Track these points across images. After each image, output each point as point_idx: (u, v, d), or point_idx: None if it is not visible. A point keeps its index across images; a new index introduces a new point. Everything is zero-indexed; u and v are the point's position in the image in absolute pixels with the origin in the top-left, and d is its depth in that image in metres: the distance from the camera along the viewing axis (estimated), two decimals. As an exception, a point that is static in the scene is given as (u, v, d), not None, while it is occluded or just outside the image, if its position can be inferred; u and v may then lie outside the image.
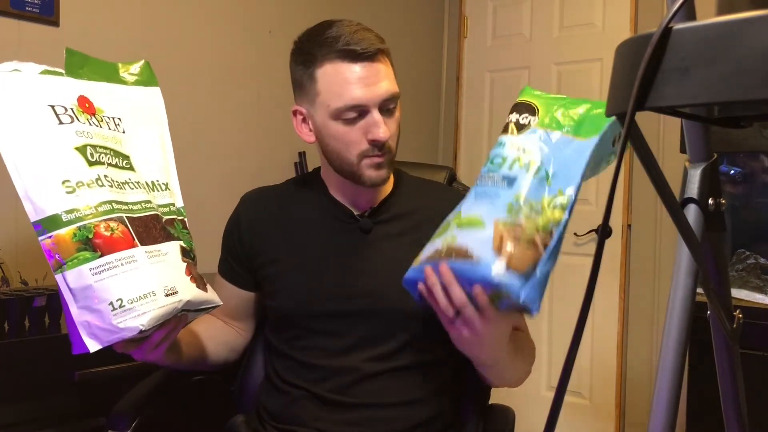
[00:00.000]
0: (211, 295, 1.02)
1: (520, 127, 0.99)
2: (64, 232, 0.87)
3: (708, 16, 0.44)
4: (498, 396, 1.27)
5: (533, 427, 2.10)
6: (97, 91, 1.01)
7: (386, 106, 1.12)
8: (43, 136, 0.91)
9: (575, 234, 2.85)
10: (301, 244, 1.21)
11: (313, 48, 1.12)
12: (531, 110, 1.01)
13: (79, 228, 0.88)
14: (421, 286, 0.96)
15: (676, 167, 0.70)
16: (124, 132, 1.02)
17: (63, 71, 0.98)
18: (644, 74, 0.45)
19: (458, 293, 0.92)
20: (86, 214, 0.89)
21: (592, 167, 0.95)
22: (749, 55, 0.41)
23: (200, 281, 1.01)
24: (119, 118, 1.02)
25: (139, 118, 1.06)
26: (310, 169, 1.44)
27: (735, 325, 0.66)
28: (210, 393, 1.39)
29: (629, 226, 2.78)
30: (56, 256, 0.87)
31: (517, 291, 0.87)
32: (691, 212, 0.58)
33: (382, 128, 1.10)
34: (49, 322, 1.40)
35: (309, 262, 1.19)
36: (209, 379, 1.33)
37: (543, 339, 2.87)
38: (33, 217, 0.88)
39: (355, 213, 1.21)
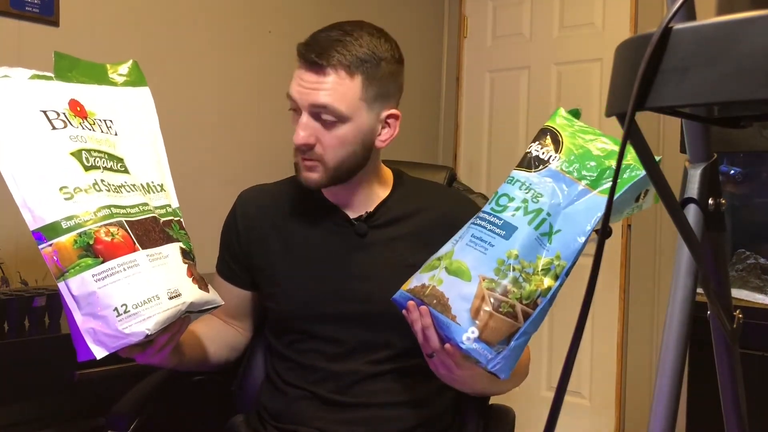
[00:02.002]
0: (212, 295, 1.02)
1: (538, 164, 0.95)
2: (65, 239, 0.86)
3: (708, 16, 0.44)
4: (498, 396, 1.27)
5: (533, 427, 2.10)
6: (88, 94, 1.00)
7: (319, 115, 1.09)
8: (38, 143, 0.90)
9: (575, 234, 2.85)
10: (297, 248, 1.21)
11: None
12: (555, 142, 0.96)
13: (80, 234, 0.87)
14: (405, 313, 0.96)
15: (676, 167, 0.70)
16: (116, 134, 1.01)
17: (52, 75, 0.97)
18: (644, 74, 0.45)
19: (434, 339, 0.92)
20: (86, 220, 0.88)
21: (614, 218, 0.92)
22: (749, 55, 0.41)
23: (202, 282, 1.01)
24: (111, 120, 1.01)
25: (131, 119, 1.05)
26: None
27: (735, 325, 0.66)
28: (210, 393, 1.39)
29: (629, 226, 2.78)
30: (57, 263, 0.86)
31: (485, 362, 0.86)
32: (691, 212, 0.58)
33: (300, 132, 1.09)
34: (49, 322, 1.40)
35: (305, 265, 1.19)
36: (209, 379, 1.33)
37: (543, 339, 2.87)
38: (32, 226, 0.87)
39: (351, 216, 1.20)
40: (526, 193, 0.92)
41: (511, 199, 0.93)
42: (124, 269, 0.88)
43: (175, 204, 1.07)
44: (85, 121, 0.97)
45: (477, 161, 3.21)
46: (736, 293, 2.07)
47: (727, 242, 2.20)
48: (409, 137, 3.07)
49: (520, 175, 0.95)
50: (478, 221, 0.95)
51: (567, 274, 0.89)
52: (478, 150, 3.22)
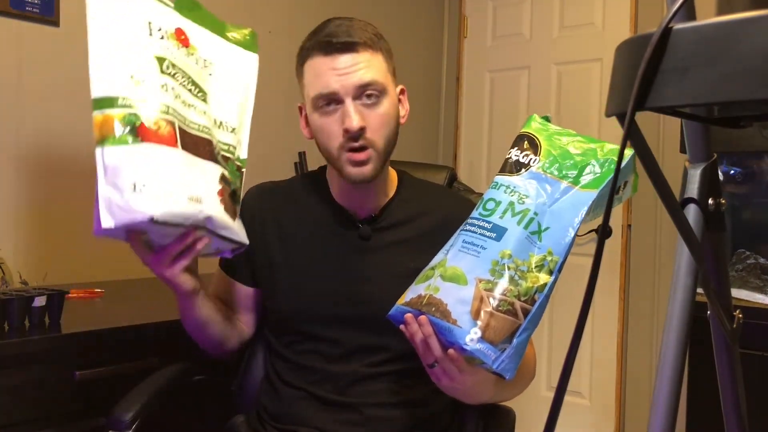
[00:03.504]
0: (238, 227, 1.03)
1: (519, 167, 0.96)
2: (116, 112, 0.90)
3: (708, 16, 0.44)
4: (498, 396, 1.27)
5: (533, 427, 2.09)
6: (197, 32, 1.05)
7: (363, 96, 1.10)
8: (131, 37, 0.95)
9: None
10: (300, 248, 1.20)
11: (305, 43, 1.15)
12: (533, 146, 0.98)
13: (130, 114, 0.91)
14: (402, 328, 0.96)
15: (676, 167, 0.70)
16: (210, 75, 1.05)
17: (172, 4, 1.02)
18: (644, 74, 0.45)
19: (436, 347, 0.92)
20: (141, 106, 0.92)
21: (592, 216, 0.93)
22: (749, 55, 0.41)
23: (231, 209, 1.02)
24: (211, 62, 1.05)
25: (230, 73, 1.09)
26: (309, 170, 1.44)
27: (735, 325, 0.66)
28: (210, 393, 1.39)
29: (629, 226, 2.78)
30: (101, 130, 0.90)
31: (491, 362, 0.86)
32: (691, 212, 0.58)
33: (353, 117, 1.08)
34: (49, 322, 1.40)
35: (307, 267, 1.19)
36: (210, 379, 1.33)
37: (543, 339, 2.87)
38: (94, 94, 0.91)
39: (356, 219, 1.20)
40: (512, 195, 0.94)
41: (498, 203, 0.94)
42: (157, 155, 0.92)
43: (242, 153, 1.10)
44: (184, 48, 1.02)
45: (477, 161, 3.21)
46: (736, 293, 2.07)
47: (727, 242, 2.20)
48: (409, 137, 3.08)
49: (504, 179, 0.97)
50: (468, 227, 0.96)
51: (560, 269, 0.90)
52: (478, 150, 3.22)
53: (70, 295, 1.55)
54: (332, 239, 1.20)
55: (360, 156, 1.11)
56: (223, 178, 1.02)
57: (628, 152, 0.90)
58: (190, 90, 1.00)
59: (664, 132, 2.65)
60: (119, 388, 1.21)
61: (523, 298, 0.87)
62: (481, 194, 1.43)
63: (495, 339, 0.86)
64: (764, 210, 2.33)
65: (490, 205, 0.94)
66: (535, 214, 0.91)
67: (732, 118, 0.57)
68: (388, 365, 1.15)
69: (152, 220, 0.89)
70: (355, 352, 1.15)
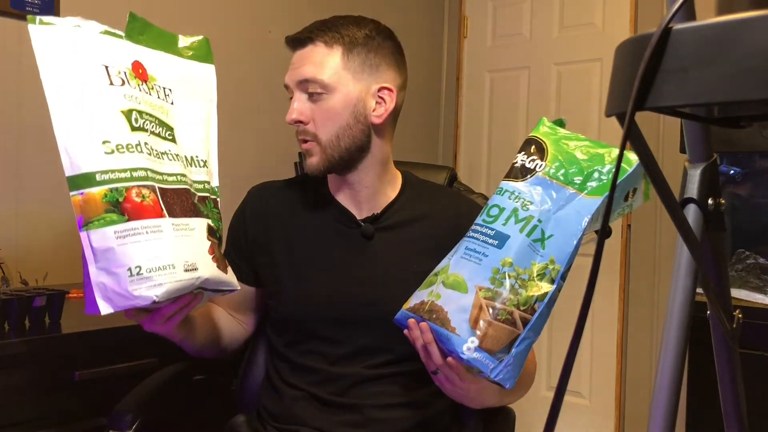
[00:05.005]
0: (230, 277, 1.02)
1: (525, 173, 0.95)
2: (96, 191, 0.87)
3: (708, 16, 0.44)
4: (498, 396, 1.27)
5: (533, 427, 2.10)
6: (153, 59, 1.02)
7: (305, 90, 1.14)
8: (92, 94, 0.91)
9: (575, 234, 2.85)
10: (301, 247, 1.20)
11: None
12: (540, 151, 0.97)
13: (111, 190, 0.88)
14: (406, 332, 0.96)
15: (676, 167, 0.70)
16: (172, 103, 1.03)
17: (122, 34, 0.99)
18: (644, 74, 0.45)
19: (437, 354, 0.93)
20: (120, 177, 0.89)
21: (598, 224, 0.92)
22: (749, 55, 0.41)
23: (222, 262, 1.01)
24: (170, 89, 1.03)
25: (190, 92, 1.07)
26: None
27: (735, 325, 0.66)
28: (210, 393, 1.39)
29: (629, 226, 2.78)
30: (84, 213, 0.87)
31: (488, 371, 0.86)
32: (691, 212, 0.58)
33: (292, 109, 1.14)
34: (49, 322, 1.40)
35: (309, 266, 1.19)
36: (210, 379, 1.33)
37: (543, 339, 2.87)
38: (68, 172, 0.88)
39: (358, 218, 1.20)
40: (516, 202, 0.93)
41: (502, 210, 0.93)
42: (147, 232, 0.89)
43: (215, 183, 1.08)
44: (144, 84, 0.98)
45: (477, 161, 3.21)
46: (736, 293, 2.07)
47: (727, 242, 2.20)
48: (409, 137, 3.08)
49: (509, 185, 0.96)
50: (472, 234, 0.96)
51: (563, 277, 0.89)
52: (478, 150, 3.22)
53: (70, 295, 1.55)
54: (335, 238, 1.20)
55: (306, 146, 1.16)
56: (209, 230, 1.00)
57: (636, 158, 0.89)
58: (158, 134, 0.98)
59: (664, 132, 2.65)
60: (119, 388, 1.21)
61: (522, 308, 0.87)
62: (482, 194, 1.44)
63: (493, 348, 0.86)
64: (764, 210, 2.33)
65: (494, 211, 0.94)
66: (539, 221, 0.90)
67: (732, 118, 0.57)
68: (389, 367, 1.15)
69: (154, 302, 0.88)
70: (356, 352, 1.15)
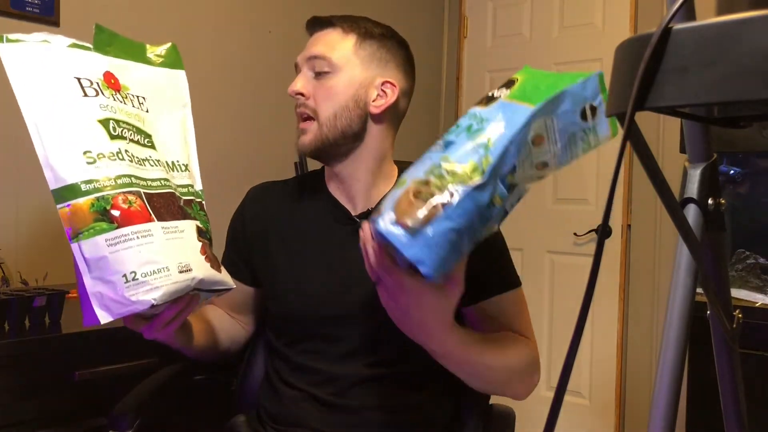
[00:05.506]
0: (224, 276, 1.02)
1: (489, 100, 0.96)
2: (82, 201, 0.87)
3: (708, 16, 0.44)
4: (498, 397, 1.27)
5: (533, 427, 2.09)
6: (124, 68, 1.02)
7: (313, 68, 1.16)
8: (68, 107, 0.91)
9: (575, 234, 2.85)
10: (300, 246, 1.20)
11: None
12: (510, 83, 0.97)
13: (97, 199, 0.88)
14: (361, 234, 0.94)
15: (676, 167, 0.70)
16: (147, 111, 1.03)
17: (91, 46, 0.99)
18: (644, 74, 0.45)
19: (370, 250, 0.90)
20: (105, 186, 0.89)
21: (567, 146, 0.90)
22: (749, 55, 0.41)
23: (214, 261, 1.01)
24: (143, 98, 1.03)
25: (163, 99, 1.07)
26: (309, 169, 1.44)
27: (735, 325, 0.66)
28: (210, 393, 1.39)
29: (629, 226, 2.78)
30: (73, 225, 0.87)
31: (402, 245, 0.83)
32: (691, 212, 0.58)
33: (296, 82, 1.16)
34: (49, 322, 1.40)
35: (306, 265, 1.19)
36: (210, 379, 1.33)
37: (543, 339, 2.87)
38: (53, 185, 0.88)
39: (353, 214, 1.20)
40: (473, 119, 0.94)
41: (458, 126, 0.95)
42: (137, 237, 0.89)
43: (198, 186, 1.08)
44: (117, 93, 0.98)
45: (477, 161, 3.21)
46: (736, 293, 2.07)
47: (727, 242, 2.20)
48: (410, 137, 3.07)
49: (474, 109, 0.97)
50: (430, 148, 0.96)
51: (495, 174, 0.87)
52: (478, 150, 3.22)
53: (70, 295, 1.55)
54: (330, 235, 1.20)
55: (302, 124, 1.17)
56: (199, 232, 1.00)
57: (593, 71, 0.89)
58: (137, 141, 0.98)
59: (664, 132, 2.65)
60: (119, 388, 1.21)
61: (446, 190, 0.85)
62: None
63: (408, 223, 0.84)
64: (764, 210, 2.33)
65: (452, 128, 0.95)
66: (488, 133, 0.91)
67: (732, 118, 0.57)
68: (388, 366, 1.15)
69: (152, 306, 0.88)
70: (357, 350, 1.15)
